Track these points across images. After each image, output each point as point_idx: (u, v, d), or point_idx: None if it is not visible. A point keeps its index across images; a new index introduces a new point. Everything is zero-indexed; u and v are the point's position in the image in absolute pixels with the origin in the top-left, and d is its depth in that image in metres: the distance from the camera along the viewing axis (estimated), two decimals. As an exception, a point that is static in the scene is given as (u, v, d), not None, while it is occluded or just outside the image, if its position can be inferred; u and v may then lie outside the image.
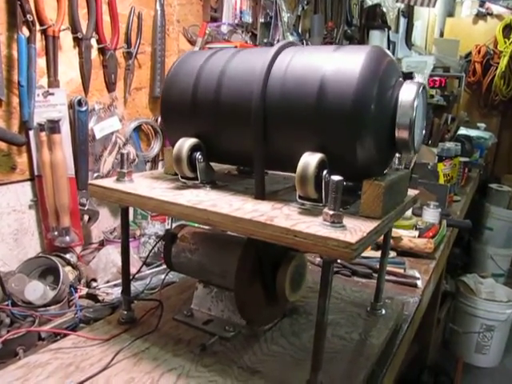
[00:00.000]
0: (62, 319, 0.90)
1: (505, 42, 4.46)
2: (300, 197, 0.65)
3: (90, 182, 0.78)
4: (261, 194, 0.70)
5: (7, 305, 0.90)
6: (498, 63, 4.48)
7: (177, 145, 0.74)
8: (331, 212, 0.57)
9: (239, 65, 0.74)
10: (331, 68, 0.65)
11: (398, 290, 1.13)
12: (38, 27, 0.99)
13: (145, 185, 0.76)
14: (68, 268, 1.06)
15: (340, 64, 0.66)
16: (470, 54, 4.63)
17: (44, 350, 0.75)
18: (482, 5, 4.69)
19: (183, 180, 0.77)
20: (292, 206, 0.66)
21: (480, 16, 4.72)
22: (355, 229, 0.57)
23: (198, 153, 0.75)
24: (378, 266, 1.21)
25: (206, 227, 0.79)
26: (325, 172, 0.63)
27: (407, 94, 0.66)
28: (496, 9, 4.66)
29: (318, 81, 0.65)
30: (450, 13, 5.13)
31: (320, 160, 0.63)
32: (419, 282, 1.21)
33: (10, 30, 0.96)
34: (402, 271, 1.26)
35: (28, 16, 0.95)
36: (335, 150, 0.65)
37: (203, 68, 0.77)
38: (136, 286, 1.03)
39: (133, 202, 0.72)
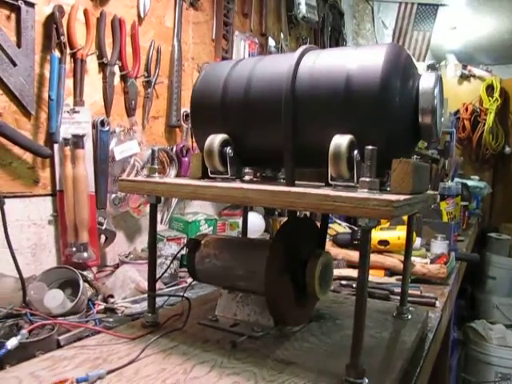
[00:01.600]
0: (81, 328, 0.88)
1: (489, 100, 4.70)
2: (332, 178, 0.67)
3: (120, 178, 0.80)
4: (291, 183, 0.72)
5: (25, 313, 0.87)
6: (486, 119, 4.69)
7: (208, 139, 0.77)
8: (368, 179, 0.59)
9: (267, 66, 0.79)
10: (356, 61, 0.70)
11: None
12: (68, 50, 1.06)
13: (176, 180, 0.78)
14: (85, 285, 1.04)
15: (364, 58, 0.70)
16: (458, 111, 4.86)
17: (68, 347, 0.73)
18: (464, 67, 5.00)
19: (213, 175, 0.79)
20: (325, 188, 0.68)
21: (464, 77, 5.01)
22: (392, 197, 0.59)
23: (229, 147, 0.77)
24: (394, 289, 1.21)
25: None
26: (355, 152, 0.65)
27: (427, 82, 0.70)
28: (477, 71, 4.97)
29: (344, 73, 0.70)
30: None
31: (350, 140, 0.66)
32: (437, 302, 1.20)
33: (43, 51, 1.03)
34: (418, 292, 1.25)
35: (61, 38, 1.01)
36: (364, 136, 0.68)
37: (232, 71, 0.82)
38: (156, 302, 1.01)
39: (166, 191, 0.74)
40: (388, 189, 0.67)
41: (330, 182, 0.67)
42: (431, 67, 0.74)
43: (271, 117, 0.74)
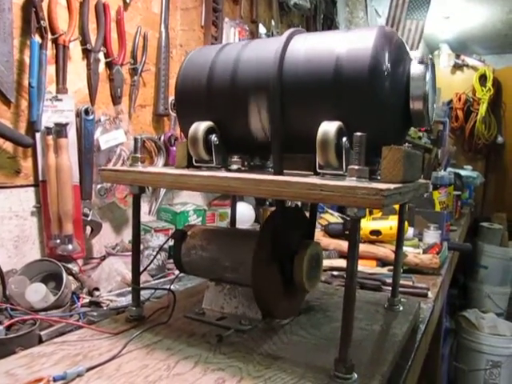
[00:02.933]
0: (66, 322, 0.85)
1: (482, 90, 4.69)
2: (320, 167, 0.65)
3: (101, 167, 0.77)
4: (279, 171, 0.70)
5: (6, 308, 0.85)
6: (478, 109, 4.69)
7: (192, 127, 0.74)
8: (356, 167, 0.57)
9: (253, 51, 0.76)
10: (346, 45, 0.67)
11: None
12: (49, 35, 1.02)
13: (159, 169, 0.75)
14: (70, 278, 1.01)
15: (353, 41, 0.68)
16: (451, 101, 4.84)
17: (48, 343, 0.71)
18: (458, 57, 4.98)
19: (198, 164, 0.76)
20: (312, 177, 0.66)
21: (457, 67, 4.99)
22: (381, 185, 0.57)
23: (214, 135, 0.75)
24: (386, 280, 1.20)
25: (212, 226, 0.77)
26: (344, 139, 0.63)
27: (418, 67, 0.68)
28: (470, 61, 4.96)
29: (334, 56, 0.67)
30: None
31: (339, 126, 0.63)
32: (429, 293, 1.18)
33: (23, 35, 0.99)
34: (410, 283, 1.24)
35: (42, 22, 0.98)
36: (353, 123, 0.65)
37: (217, 56, 0.79)
38: (142, 295, 0.98)
39: (148, 180, 0.71)
40: (379, 177, 0.64)
41: (318, 170, 0.65)
42: (421, 61, 0.71)
43: (258, 103, 0.72)
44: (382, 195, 0.52)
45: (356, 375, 0.60)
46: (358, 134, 0.57)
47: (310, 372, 0.62)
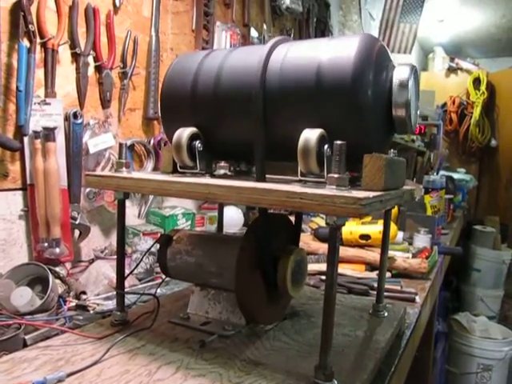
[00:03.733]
0: (49, 327, 0.85)
1: (476, 93, 4.72)
2: (302, 174, 0.65)
3: (87, 173, 0.77)
4: (262, 178, 0.70)
5: (-11, 312, 0.85)
6: (472, 113, 4.71)
7: (176, 133, 0.74)
8: (336, 175, 0.57)
9: (237, 57, 0.77)
10: (328, 53, 0.68)
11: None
12: (38, 39, 1.02)
13: (143, 175, 0.76)
14: (57, 281, 1.01)
15: (336, 49, 0.68)
16: (445, 104, 4.87)
17: (31, 347, 0.71)
18: (452, 60, 5.01)
19: (182, 170, 0.77)
20: (294, 184, 0.66)
21: (451, 70, 5.02)
22: (360, 194, 0.57)
23: (198, 141, 0.75)
24: (374, 284, 1.20)
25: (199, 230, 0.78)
26: (326, 147, 0.63)
27: (401, 74, 0.68)
28: (465, 64, 4.98)
29: (315, 64, 0.67)
30: (423, 67, 5.45)
31: (320, 134, 0.63)
32: (417, 297, 1.19)
33: (11, 39, 0.99)
34: (398, 288, 1.24)
35: (30, 26, 0.98)
36: (335, 130, 0.66)
37: (202, 63, 0.79)
38: (129, 299, 0.98)
39: (131, 186, 0.71)
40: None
41: (300, 177, 0.66)
42: (404, 69, 0.70)
43: (241, 110, 0.72)
44: (360, 204, 0.52)
45: (336, 382, 0.60)
46: (339, 142, 0.57)
47: (291, 379, 0.62)
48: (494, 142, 4.68)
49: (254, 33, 1.85)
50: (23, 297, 0.86)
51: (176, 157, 0.75)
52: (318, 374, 0.60)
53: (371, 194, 0.57)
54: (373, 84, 0.66)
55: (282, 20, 2.19)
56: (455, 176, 3.53)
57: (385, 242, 0.89)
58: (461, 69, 4.97)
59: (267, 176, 0.83)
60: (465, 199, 3.67)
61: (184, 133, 0.74)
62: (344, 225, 0.57)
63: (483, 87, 4.64)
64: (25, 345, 0.80)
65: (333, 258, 0.58)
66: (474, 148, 4.77)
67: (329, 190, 0.56)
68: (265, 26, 1.97)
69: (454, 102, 4.85)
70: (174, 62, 0.84)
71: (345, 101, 0.65)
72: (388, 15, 2.87)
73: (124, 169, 0.76)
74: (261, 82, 0.69)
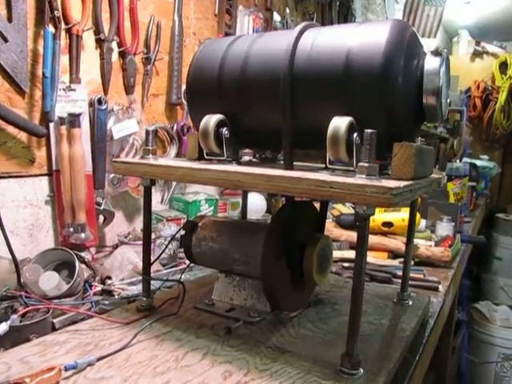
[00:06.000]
0: (77, 311, 0.87)
1: (502, 78, 4.57)
2: (330, 162, 0.64)
3: (114, 159, 0.78)
4: (290, 166, 0.70)
5: (20, 296, 0.87)
6: (497, 98, 4.58)
7: (203, 120, 0.74)
8: (366, 164, 0.56)
9: (265, 43, 0.76)
10: (358, 39, 0.66)
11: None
12: (63, 25, 1.02)
13: (170, 162, 0.76)
14: (83, 266, 1.03)
15: (366, 35, 0.66)
16: (469, 89, 4.74)
17: (61, 331, 0.72)
18: (477, 43, 4.86)
19: (209, 157, 0.76)
20: (322, 172, 0.65)
21: (477, 54, 4.87)
22: (391, 183, 0.56)
23: (225, 128, 0.74)
24: (397, 272, 1.19)
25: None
26: (355, 135, 0.62)
27: (433, 61, 0.67)
28: (491, 48, 4.82)
29: (345, 51, 0.66)
30: (448, 51, 5.30)
31: (350, 122, 0.62)
32: (440, 286, 1.18)
33: (37, 26, 0.99)
34: (421, 276, 1.23)
35: (55, 12, 0.98)
36: (364, 118, 0.64)
37: (229, 48, 0.78)
38: (153, 284, 1.00)
39: (159, 173, 0.71)
40: (390, 172, 0.64)
41: (329, 165, 0.65)
42: (436, 55, 0.70)
43: (269, 96, 0.71)
44: (391, 194, 0.51)
45: (362, 371, 0.60)
46: (369, 130, 0.56)
47: (317, 366, 0.62)
48: (519, 129, 4.55)
49: (276, 17, 1.82)
50: (51, 281, 0.88)
51: (203, 144, 0.74)
52: (345, 362, 0.60)
53: (402, 183, 0.56)
54: (403, 71, 0.64)
55: (305, 4, 2.15)
56: (478, 163, 3.45)
57: (411, 230, 0.88)
58: (486, 52, 4.82)
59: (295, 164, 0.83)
60: (487, 187, 3.60)
61: (211, 120, 0.73)
62: (373, 214, 0.56)
63: (510, 71, 4.50)
64: (53, 328, 0.82)
65: (362, 247, 0.57)
66: (498, 134, 4.64)
67: (359, 179, 0.55)
68: (287, 10, 1.94)
69: (478, 87, 4.71)
70: (199, 48, 0.83)
71: (375, 88, 0.63)
72: (413, -3, 2.79)
73: (151, 155, 0.76)
74: (289, 68, 0.68)
